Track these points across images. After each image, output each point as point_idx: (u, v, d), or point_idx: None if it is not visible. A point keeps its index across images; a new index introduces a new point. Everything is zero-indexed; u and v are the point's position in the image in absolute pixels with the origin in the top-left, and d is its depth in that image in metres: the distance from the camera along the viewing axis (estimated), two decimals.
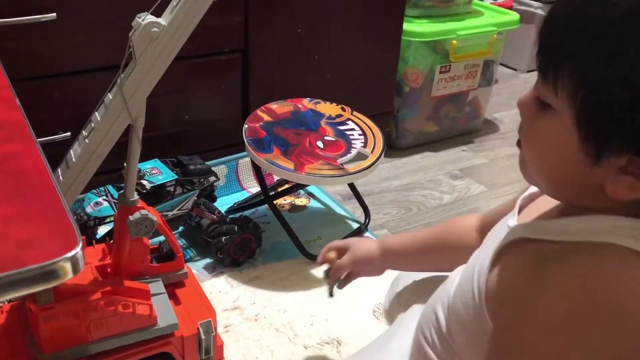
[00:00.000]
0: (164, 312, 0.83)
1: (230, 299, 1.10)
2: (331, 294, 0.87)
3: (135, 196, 0.81)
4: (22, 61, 1.10)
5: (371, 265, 0.84)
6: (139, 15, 0.71)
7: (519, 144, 0.52)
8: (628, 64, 0.41)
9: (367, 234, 1.29)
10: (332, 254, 0.85)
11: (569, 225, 0.49)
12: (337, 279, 0.86)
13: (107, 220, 1.10)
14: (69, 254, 0.35)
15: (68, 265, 0.35)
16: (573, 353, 0.43)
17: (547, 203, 0.56)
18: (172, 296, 0.90)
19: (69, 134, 1.15)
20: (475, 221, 0.75)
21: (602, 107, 0.43)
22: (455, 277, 0.62)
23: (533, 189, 0.60)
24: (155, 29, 0.68)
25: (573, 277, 0.45)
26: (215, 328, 0.88)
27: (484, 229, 0.69)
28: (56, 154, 0.79)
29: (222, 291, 1.11)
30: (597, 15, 0.43)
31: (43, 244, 0.36)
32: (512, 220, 0.57)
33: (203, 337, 0.86)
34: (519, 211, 0.59)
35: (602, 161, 0.45)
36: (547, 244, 0.49)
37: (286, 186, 1.36)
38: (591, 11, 0.43)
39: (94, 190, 1.14)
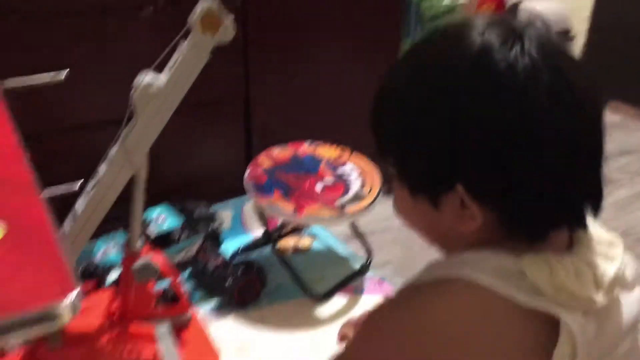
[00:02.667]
0: (169, 355, 0.86)
1: (236, 341, 1.12)
2: None
3: (140, 243, 0.86)
4: (33, 116, 1.16)
5: None
6: (140, 73, 0.76)
7: None
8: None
9: (370, 273, 1.31)
10: (349, 332, 0.92)
11: (436, 264, 0.56)
12: None
13: (116, 266, 1.14)
14: (66, 299, 0.39)
15: (66, 309, 0.39)
16: None
17: None
18: (178, 339, 0.93)
19: (78, 184, 1.20)
20: None
21: (407, 165, 0.55)
22: None
23: None
24: (153, 89, 0.74)
25: (414, 308, 0.52)
26: None
27: None
28: (67, 204, 0.84)
29: (228, 333, 1.14)
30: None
31: (43, 290, 0.40)
32: None
33: None
34: None
35: (440, 205, 0.53)
36: (415, 285, 0.55)
37: (290, 228, 1.39)
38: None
39: (102, 237, 1.18)
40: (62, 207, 0.63)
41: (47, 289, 0.40)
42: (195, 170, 1.39)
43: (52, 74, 1.13)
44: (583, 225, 0.53)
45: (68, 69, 1.14)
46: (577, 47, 2.28)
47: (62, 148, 1.22)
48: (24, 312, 0.38)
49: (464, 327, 0.50)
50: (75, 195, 0.82)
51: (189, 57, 0.74)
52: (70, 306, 0.39)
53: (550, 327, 0.49)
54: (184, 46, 0.74)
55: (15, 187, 0.55)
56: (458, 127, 0.49)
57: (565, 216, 0.52)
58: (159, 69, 0.77)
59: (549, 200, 0.50)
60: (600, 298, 0.49)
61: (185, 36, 0.77)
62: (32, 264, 0.43)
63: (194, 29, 0.73)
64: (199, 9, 0.72)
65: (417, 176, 0.54)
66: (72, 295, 0.39)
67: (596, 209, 0.53)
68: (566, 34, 2.15)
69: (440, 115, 0.50)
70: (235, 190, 1.42)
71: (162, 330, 0.89)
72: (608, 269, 0.51)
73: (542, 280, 0.48)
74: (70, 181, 1.20)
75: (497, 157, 0.49)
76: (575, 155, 0.49)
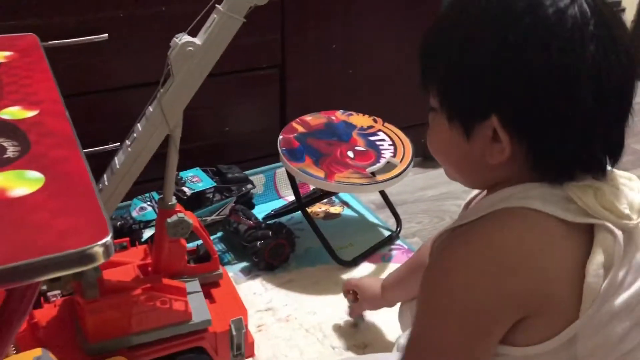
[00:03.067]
0: (198, 309, 0.89)
1: (264, 301, 1.15)
2: (355, 325, 1.10)
3: (174, 200, 0.88)
4: (75, 77, 1.20)
5: (377, 305, 1.02)
6: (176, 35, 0.78)
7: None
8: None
9: (398, 242, 1.33)
10: (350, 296, 1.06)
11: (479, 205, 0.57)
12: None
13: (151, 224, 1.18)
14: (101, 242, 0.41)
15: (101, 251, 0.41)
16: (469, 295, 0.54)
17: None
18: (207, 295, 0.96)
19: (118, 144, 1.24)
20: None
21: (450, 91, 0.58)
22: None
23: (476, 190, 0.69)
24: (190, 48, 0.75)
25: (477, 238, 0.54)
26: (246, 325, 0.93)
27: None
28: (105, 162, 0.87)
29: (256, 293, 1.17)
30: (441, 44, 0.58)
31: (80, 233, 0.42)
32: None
33: (234, 333, 0.91)
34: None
35: (472, 136, 0.56)
36: (463, 226, 0.57)
37: (320, 194, 1.41)
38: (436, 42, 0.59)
39: (139, 197, 1.22)
40: (97, 165, 0.65)
41: (83, 232, 0.43)
42: (229, 135, 1.41)
43: (92, 37, 1.16)
44: (603, 172, 0.55)
45: (109, 32, 1.17)
46: (627, 20, 2.21)
47: (100, 108, 1.26)
48: (61, 253, 0.41)
49: (528, 246, 0.53)
50: (112, 155, 0.85)
51: (224, 18, 0.75)
52: (104, 248, 0.42)
53: (586, 239, 0.53)
54: (219, 7, 0.75)
55: (55, 140, 0.58)
56: (501, 60, 0.52)
57: (587, 161, 0.55)
58: (195, 32, 0.79)
59: (575, 145, 0.53)
60: (635, 217, 0.54)
61: (220, 1, 0.78)
62: (69, 210, 0.46)
63: None
64: None
65: (456, 102, 0.57)
66: (107, 238, 0.42)
67: (615, 161, 0.56)
68: (617, 6, 2.12)
69: (486, 46, 0.53)
70: (268, 155, 1.44)
71: (193, 286, 0.92)
72: (635, 197, 0.56)
73: (589, 201, 0.52)
74: (107, 141, 1.23)
75: (533, 93, 0.52)
76: (607, 106, 0.52)
